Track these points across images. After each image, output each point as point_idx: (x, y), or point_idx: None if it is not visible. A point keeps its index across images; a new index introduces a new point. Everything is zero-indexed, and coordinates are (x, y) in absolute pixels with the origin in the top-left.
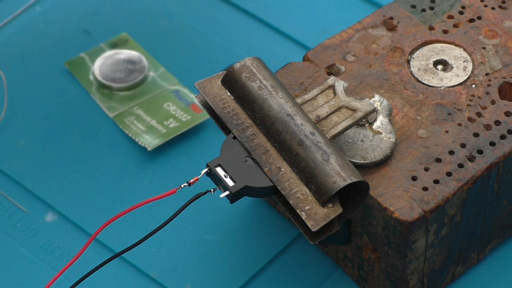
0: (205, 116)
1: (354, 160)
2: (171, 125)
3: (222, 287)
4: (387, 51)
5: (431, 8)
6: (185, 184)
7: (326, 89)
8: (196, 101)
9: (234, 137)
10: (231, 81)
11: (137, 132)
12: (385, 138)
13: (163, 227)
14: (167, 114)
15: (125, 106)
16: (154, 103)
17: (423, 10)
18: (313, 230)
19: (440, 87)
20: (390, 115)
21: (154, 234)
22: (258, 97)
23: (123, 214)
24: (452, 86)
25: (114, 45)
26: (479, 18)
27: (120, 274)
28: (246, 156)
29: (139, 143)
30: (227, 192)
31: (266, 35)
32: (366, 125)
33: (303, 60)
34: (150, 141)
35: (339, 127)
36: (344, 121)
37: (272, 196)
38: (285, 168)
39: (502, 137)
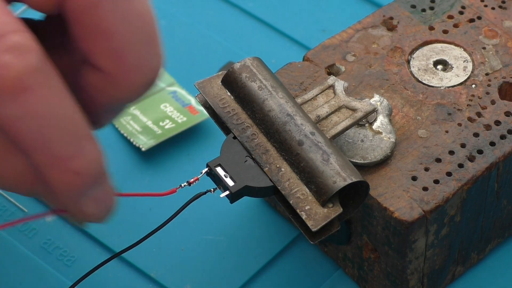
0: (201, 118)
1: (354, 160)
2: (167, 126)
3: (222, 287)
4: (387, 51)
5: (431, 8)
6: (185, 184)
7: (326, 89)
8: (194, 101)
9: (234, 137)
10: (231, 81)
11: (132, 132)
12: (385, 138)
13: (163, 227)
14: (164, 115)
15: None
16: (151, 103)
17: (423, 10)
18: (313, 230)
19: (440, 87)
20: (390, 115)
21: (154, 234)
22: (258, 97)
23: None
24: (452, 86)
25: None
26: (479, 18)
27: (120, 274)
28: (246, 156)
29: (134, 143)
30: (227, 192)
31: (266, 35)
32: (366, 125)
33: (303, 60)
34: (144, 142)
35: (339, 127)
36: (344, 121)
37: (272, 196)
38: (285, 168)
39: (502, 137)
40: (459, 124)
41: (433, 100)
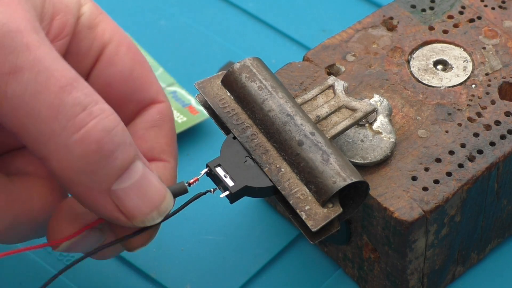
0: (201, 118)
1: (354, 160)
2: None
3: (222, 287)
4: (387, 51)
5: (431, 8)
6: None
7: (326, 89)
8: (194, 101)
9: (234, 137)
10: (231, 81)
11: None
12: (385, 138)
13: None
14: None
15: None
16: None
17: (423, 10)
18: (313, 230)
19: (440, 87)
20: (390, 115)
21: None
22: (258, 97)
23: None
24: (452, 86)
25: None
26: (479, 18)
27: (120, 274)
28: (246, 156)
29: None
30: (227, 192)
31: (266, 35)
32: (366, 125)
33: (303, 60)
34: None
35: (339, 127)
36: (344, 121)
37: (272, 196)
38: (285, 168)
39: (502, 137)
40: (459, 124)
41: (433, 100)
